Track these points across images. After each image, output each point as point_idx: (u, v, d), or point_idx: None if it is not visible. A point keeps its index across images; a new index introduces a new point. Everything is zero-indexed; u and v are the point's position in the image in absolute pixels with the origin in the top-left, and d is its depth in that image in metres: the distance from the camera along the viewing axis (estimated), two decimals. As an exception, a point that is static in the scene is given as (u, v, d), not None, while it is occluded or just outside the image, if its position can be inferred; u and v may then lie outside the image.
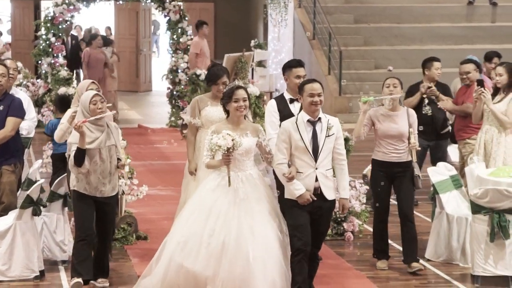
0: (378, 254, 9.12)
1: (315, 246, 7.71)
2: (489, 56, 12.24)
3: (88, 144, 7.87)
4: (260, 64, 21.30)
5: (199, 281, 7.42)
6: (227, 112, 7.77)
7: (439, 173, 9.52)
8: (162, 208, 11.48)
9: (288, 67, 8.59)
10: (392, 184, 8.92)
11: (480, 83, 9.74)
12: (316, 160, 7.52)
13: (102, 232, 8.25)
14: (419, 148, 8.87)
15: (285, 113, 8.36)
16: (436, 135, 11.25)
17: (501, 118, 9.57)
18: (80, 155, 7.82)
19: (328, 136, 7.55)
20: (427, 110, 11.14)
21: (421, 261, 9.22)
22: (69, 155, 8.08)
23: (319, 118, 7.57)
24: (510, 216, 8.38)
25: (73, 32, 23.85)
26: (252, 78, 19.59)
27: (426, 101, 11.12)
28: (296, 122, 7.57)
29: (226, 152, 7.44)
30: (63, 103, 10.82)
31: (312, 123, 7.55)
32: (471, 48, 17.73)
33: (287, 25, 21.36)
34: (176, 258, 7.49)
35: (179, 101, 18.39)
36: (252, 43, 20.61)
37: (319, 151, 7.53)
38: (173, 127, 18.17)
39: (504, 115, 9.56)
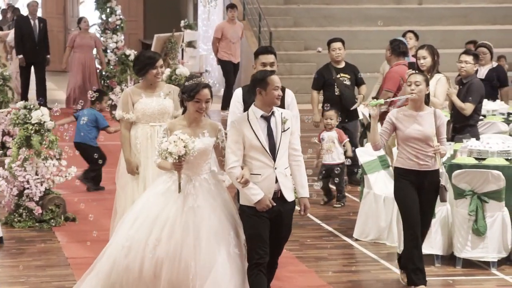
0: (414, 277, 7.90)
1: (276, 254, 6.97)
2: (403, 35, 12.55)
3: None
4: (190, 44, 21.23)
5: (143, 285, 6.80)
6: (184, 106, 7.00)
7: (367, 153, 9.58)
8: (91, 189, 11.40)
9: (255, 53, 7.80)
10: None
11: (412, 66, 9.85)
12: (274, 159, 6.78)
13: None
14: (445, 152, 7.85)
15: (250, 105, 7.34)
16: (346, 114, 11.36)
17: (432, 100, 9.69)
18: None
19: (284, 131, 6.85)
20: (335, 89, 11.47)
21: (349, 240, 9.37)
22: None
23: (272, 112, 6.89)
24: (436, 195, 8.52)
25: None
26: (182, 58, 19.52)
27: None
28: (248, 119, 6.85)
29: (177, 160, 6.70)
30: None
31: (266, 118, 6.84)
32: (399, 30, 17.83)
33: (217, 5, 21.29)
34: (119, 262, 6.83)
35: (108, 81, 18.22)
36: (182, 23, 20.52)
37: (277, 149, 6.80)
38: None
39: (433, 96, 9.72)
